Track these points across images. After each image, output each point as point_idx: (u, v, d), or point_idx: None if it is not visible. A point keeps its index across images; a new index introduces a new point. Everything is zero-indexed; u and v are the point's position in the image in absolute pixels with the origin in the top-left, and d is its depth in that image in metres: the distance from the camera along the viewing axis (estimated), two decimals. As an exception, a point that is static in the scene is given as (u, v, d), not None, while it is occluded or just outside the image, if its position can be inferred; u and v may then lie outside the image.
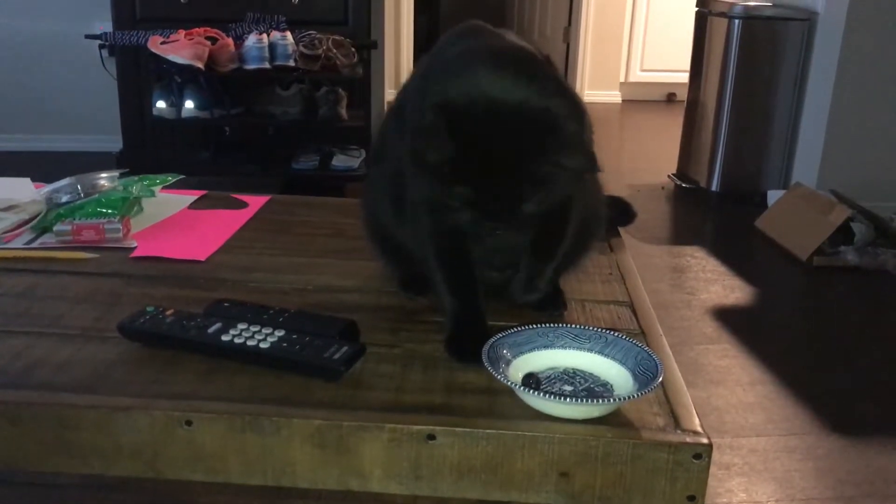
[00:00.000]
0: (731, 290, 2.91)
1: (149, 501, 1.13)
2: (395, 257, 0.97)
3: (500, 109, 0.72)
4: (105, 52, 3.62)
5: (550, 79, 0.78)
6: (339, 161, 3.62)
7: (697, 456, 0.70)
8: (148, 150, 3.73)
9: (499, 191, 0.73)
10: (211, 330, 0.81)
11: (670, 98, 6.42)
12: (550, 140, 0.71)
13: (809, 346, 2.60)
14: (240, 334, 0.80)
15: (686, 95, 4.28)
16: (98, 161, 3.88)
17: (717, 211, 3.94)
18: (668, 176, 4.23)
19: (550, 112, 0.72)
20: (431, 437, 0.71)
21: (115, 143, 3.89)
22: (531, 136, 0.71)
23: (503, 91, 0.73)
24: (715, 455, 1.90)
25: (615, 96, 6.52)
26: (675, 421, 0.74)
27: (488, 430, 0.71)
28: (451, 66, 0.79)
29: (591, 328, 0.82)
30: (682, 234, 3.75)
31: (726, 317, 2.67)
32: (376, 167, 0.98)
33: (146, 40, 3.31)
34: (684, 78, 4.32)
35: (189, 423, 0.72)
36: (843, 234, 3.12)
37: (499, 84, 0.73)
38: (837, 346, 2.57)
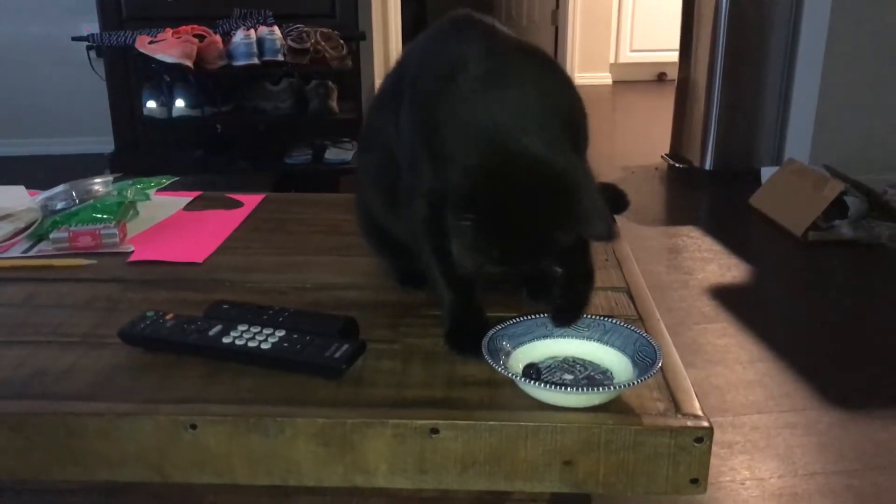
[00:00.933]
0: (727, 268, 2.92)
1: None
2: (391, 252, 0.98)
3: (519, 180, 0.72)
4: (93, 54, 3.60)
5: (559, 99, 0.79)
6: (332, 154, 3.61)
7: (699, 440, 0.71)
8: (140, 150, 3.72)
9: (523, 253, 0.75)
10: (211, 333, 0.82)
11: (661, 77, 6.41)
12: (571, 212, 0.73)
13: (807, 321, 2.61)
14: (240, 336, 0.81)
15: (677, 74, 4.28)
16: (90, 163, 3.89)
17: (711, 190, 3.94)
18: (662, 156, 4.23)
19: (569, 179, 0.72)
20: (435, 431, 0.72)
21: (106, 144, 3.89)
22: (552, 207, 0.72)
23: (520, 157, 0.72)
24: (717, 434, 1.91)
25: (606, 78, 6.51)
26: (676, 405, 0.74)
27: (491, 423, 0.72)
28: (461, 110, 0.76)
29: (589, 316, 0.83)
30: (677, 214, 3.75)
31: (724, 295, 2.68)
32: (365, 158, 0.98)
33: (134, 40, 3.30)
34: (674, 57, 4.31)
35: (194, 426, 0.72)
36: (838, 208, 3.12)
37: (515, 147, 0.72)
38: (835, 320, 2.58)
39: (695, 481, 0.72)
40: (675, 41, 4.25)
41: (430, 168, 0.79)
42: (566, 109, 0.80)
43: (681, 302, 2.63)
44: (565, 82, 0.82)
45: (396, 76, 0.91)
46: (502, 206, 0.71)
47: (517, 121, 0.74)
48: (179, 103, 3.44)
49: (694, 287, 2.74)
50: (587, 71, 6.41)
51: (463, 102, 0.76)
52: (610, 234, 0.74)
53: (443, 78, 0.79)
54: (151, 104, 3.48)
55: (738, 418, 1.95)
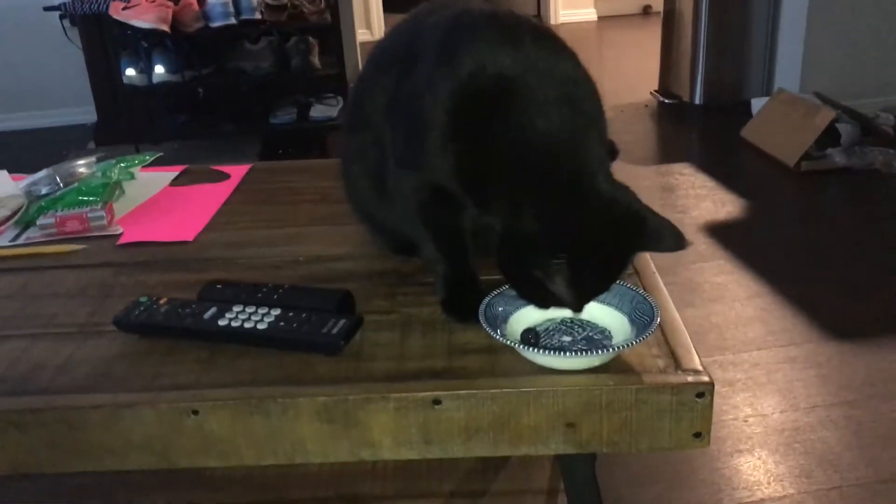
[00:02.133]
0: (721, 204, 2.92)
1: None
2: (381, 228, 0.96)
3: (595, 213, 0.73)
4: (67, 23, 3.53)
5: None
6: (318, 111, 3.58)
7: (700, 394, 0.71)
8: (123, 119, 3.67)
9: (610, 278, 0.77)
10: (207, 315, 0.81)
11: (646, 11, 6.32)
12: (644, 234, 0.75)
13: (803, 253, 2.62)
14: (236, 317, 0.80)
15: (662, 7, 4.21)
16: (75, 135, 3.84)
17: (702, 124, 3.92)
18: (651, 93, 4.19)
19: (633, 205, 0.75)
20: (437, 402, 0.72)
21: (90, 114, 3.84)
22: (626, 233, 0.75)
23: (592, 190, 0.74)
24: (718, 372, 1.92)
25: (590, 14, 6.41)
26: (676, 362, 0.74)
27: (492, 391, 0.72)
28: (531, 143, 0.75)
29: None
30: (668, 151, 3.73)
31: (719, 232, 2.68)
32: (351, 139, 0.93)
33: (107, 7, 3.23)
34: (659, -10, 4.24)
35: (196, 412, 0.72)
36: (830, 136, 3.11)
37: (587, 182, 0.74)
38: (831, 250, 2.58)
39: (698, 435, 0.73)
40: (659, -28, 4.18)
41: (443, 159, 0.77)
42: (603, 121, 0.80)
43: (676, 241, 2.62)
44: (593, 83, 0.81)
45: (398, 54, 0.85)
46: (587, 240, 0.74)
47: (584, 152, 0.75)
48: (159, 69, 3.39)
49: (689, 225, 2.73)
50: (572, 7, 6.31)
51: (531, 134, 0.74)
52: (682, 245, 0.75)
53: (491, 96, 0.75)
54: (131, 71, 3.43)
55: (738, 355, 1.97)
